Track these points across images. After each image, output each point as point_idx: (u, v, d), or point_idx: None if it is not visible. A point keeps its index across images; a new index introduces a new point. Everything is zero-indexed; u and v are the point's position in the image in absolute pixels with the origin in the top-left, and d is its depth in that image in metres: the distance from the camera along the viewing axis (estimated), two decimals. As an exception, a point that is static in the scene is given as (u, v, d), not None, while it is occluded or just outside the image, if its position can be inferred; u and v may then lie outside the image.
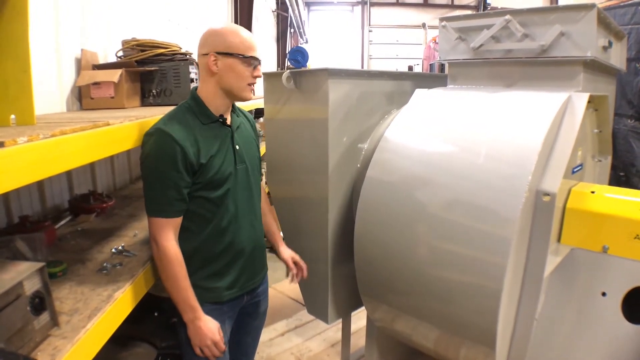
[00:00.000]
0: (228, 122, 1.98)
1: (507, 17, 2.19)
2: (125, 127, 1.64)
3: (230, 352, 2.11)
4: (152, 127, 1.79)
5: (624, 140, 4.38)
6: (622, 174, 4.44)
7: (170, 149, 1.74)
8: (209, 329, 1.85)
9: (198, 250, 1.91)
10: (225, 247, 1.96)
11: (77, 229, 2.26)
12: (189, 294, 1.82)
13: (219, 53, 1.85)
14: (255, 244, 2.09)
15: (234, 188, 1.95)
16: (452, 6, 18.83)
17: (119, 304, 1.56)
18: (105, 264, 1.81)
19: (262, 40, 10.97)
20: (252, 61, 1.89)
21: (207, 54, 1.86)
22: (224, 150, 1.92)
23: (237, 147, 1.97)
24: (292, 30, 14.72)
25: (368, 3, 19.30)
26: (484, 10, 14.74)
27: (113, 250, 1.95)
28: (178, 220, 1.84)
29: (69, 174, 2.59)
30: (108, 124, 1.54)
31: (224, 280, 1.99)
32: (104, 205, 2.50)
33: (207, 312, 1.88)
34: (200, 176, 1.83)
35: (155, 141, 1.75)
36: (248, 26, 7.48)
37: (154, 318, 2.53)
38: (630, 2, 4.25)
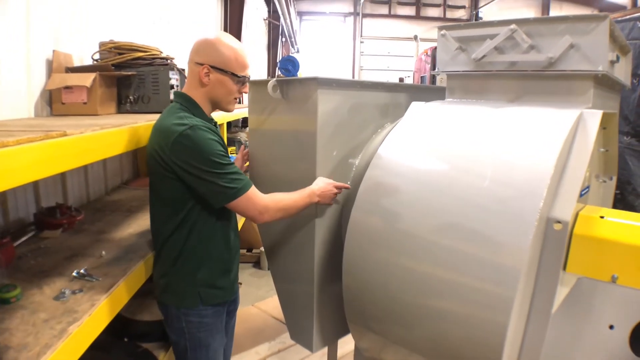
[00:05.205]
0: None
1: (513, 26, 2.04)
2: (84, 138, 1.44)
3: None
4: (177, 124, 1.75)
5: (620, 157, 4.28)
6: (617, 191, 4.33)
7: (216, 136, 1.80)
8: (323, 183, 2.09)
9: (211, 250, 1.95)
10: (232, 244, 2.06)
11: (39, 246, 2.08)
12: (299, 194, 2.00)
13: (212, 67, 1.86)
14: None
15: None
16: (444, 19, 18.92)
17: (73, 339, 1.38)
18: (63, 290, 1.63)
19: (252, 48, 10.86)
20: (243, 79, 1.94)
21: (201, 64, 1.86)
22: None
23: None
24: (283, 39, 14.67)
25: (360, 14, 19.32)
26: (476, 23, 14.78)
27: (74, 274, 1.76)
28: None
29: (35, 184, 2.39)
30: (65, 134, 1.35)
31: (232, 275, 2.08)
32: (72, 219, 2.30)
33: (212, 314, 1.96)
34: None
35: (199, 133, 1.74)
36: (238, 32, 7.36)
37: (124, 344, 2.33)
38: (628, 17, 4.20)
